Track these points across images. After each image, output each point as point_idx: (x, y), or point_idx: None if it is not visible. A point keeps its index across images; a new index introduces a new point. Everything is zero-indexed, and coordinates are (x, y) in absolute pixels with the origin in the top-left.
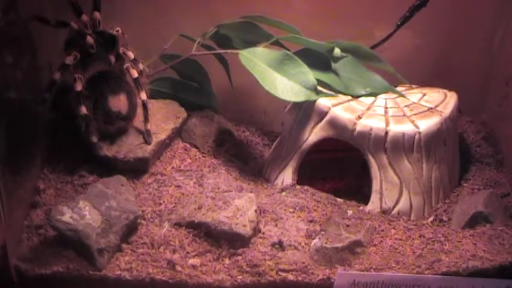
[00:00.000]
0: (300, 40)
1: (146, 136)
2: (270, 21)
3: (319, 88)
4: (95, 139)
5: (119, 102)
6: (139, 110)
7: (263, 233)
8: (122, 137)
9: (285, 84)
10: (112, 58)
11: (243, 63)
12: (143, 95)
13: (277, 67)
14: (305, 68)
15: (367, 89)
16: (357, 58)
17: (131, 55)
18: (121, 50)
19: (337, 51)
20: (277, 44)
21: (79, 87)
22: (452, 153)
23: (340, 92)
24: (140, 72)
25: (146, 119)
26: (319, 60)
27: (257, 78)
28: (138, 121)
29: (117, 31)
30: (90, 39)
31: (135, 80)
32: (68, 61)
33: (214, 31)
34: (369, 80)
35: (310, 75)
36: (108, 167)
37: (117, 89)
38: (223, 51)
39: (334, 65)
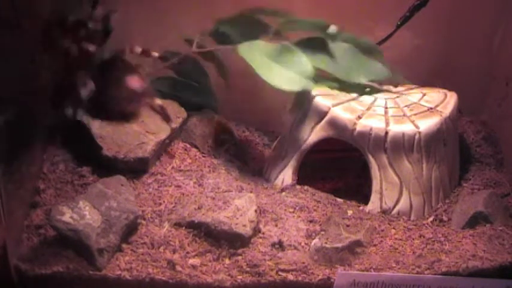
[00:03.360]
0: (296, 23)
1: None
2: (266, 12)
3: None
4: (69, 110)
5: (134, 81)
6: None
7: (263, 233)
8: (122, 137)
9: (282, 73)
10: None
11: (241, 55)
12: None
13: (275, 58)
14: (303, 58)
15: (368, 78)
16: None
17: (139, 50)
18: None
19: (332, 28)
20: (277, 35)
21: (80, 86)
22: (452, 153)
23: (340, 80)
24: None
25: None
26: (319, 49)
27: (254, 68)
28: (138, 122)
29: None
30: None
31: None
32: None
33: (213, 28)
34: (370, 68)
35: (309, 65)
36: (108, 167)
37: (128, 72)
38: (222, 47)
39: (334, 54)
